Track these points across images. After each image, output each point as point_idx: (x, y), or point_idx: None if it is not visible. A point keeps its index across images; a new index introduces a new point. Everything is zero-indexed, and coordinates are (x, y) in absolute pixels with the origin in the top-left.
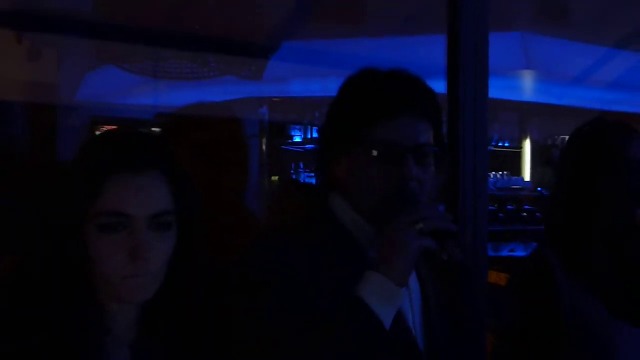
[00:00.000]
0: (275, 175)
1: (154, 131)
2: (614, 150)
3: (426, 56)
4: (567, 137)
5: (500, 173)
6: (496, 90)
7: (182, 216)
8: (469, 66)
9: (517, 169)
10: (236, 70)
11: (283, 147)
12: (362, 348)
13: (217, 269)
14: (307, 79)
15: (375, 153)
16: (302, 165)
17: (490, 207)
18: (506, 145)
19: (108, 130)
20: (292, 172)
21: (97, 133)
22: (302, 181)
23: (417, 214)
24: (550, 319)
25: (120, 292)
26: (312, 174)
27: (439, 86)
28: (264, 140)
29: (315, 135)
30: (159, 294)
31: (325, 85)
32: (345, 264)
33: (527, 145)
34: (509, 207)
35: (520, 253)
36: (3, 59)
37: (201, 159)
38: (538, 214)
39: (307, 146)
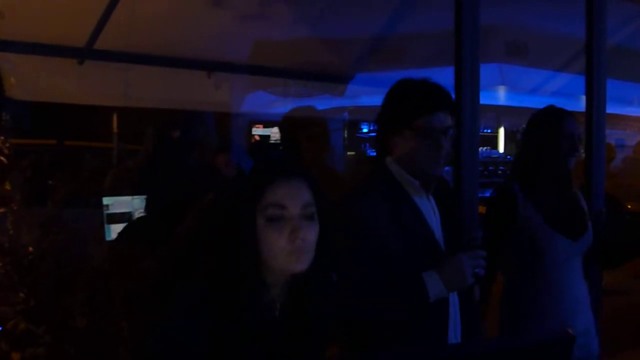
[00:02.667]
0: (351, 151)
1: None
2: (553, 123)
3: (439, 80)
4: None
5: (485, 147)
6: (483, 98)
7: (321, 210)
8: (466, 84)
9: (495, 145)
10: (329, 90)
11: (357, 135)
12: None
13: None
14: (370, 95)
15: (421, 135)
16: (367, 145)
17: (479, 168)
18: (488, 131)
19: (270, 158)
20: (362, 149)
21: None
22: (368, 154)
23: (477, 260)
24: (508, 225)
25: (283, 264)
26: (374, 150)
27: None
28: (345, 132)
29: (374, 127)
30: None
31: (379, 99)
32: (397, 204)
33: (501, 131)
34: (490, 167)
35: None
36: (201, 88)
37: (311, 141)
38: (508, 172)
39: (370, 134)
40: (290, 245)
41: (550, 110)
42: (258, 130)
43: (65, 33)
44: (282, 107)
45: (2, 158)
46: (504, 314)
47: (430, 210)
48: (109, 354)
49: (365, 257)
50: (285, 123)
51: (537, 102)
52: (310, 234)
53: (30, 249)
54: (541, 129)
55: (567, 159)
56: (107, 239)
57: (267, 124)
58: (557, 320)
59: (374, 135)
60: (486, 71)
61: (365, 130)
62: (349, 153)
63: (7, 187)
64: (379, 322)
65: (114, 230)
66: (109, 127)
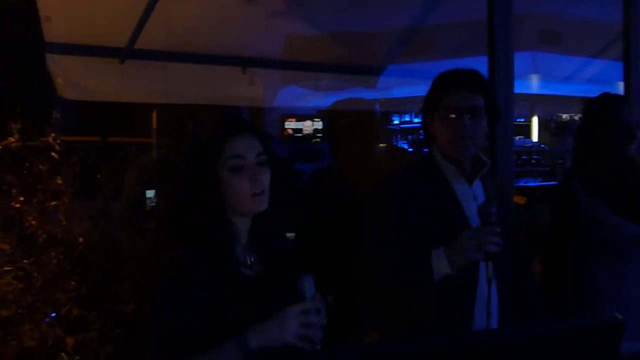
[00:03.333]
0: (382, 143)
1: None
2: (609, 112)
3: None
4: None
5: (518, 137)
6: (516, 87)
7: (270, 157)
8: (500, 73)
9: (528, 134)
10: (360, 83)
11: (388, 127)
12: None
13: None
14: (402, 87)
15: (447, 114)
16: (398, 137)
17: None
18: (521, 120)
19: (224, 118)
20: (393, 140)
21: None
22: (398, 145)
23: (480, 237)
24: (570, 222)
25: (249, 206)
26: (405, 142)
27: None
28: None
29: (405, 119)
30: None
31: (411, 90)
32: (431, 189)
33: (535, 120)
34: (524, 157)
35: (531, 184)
36: (236, 83)
37: (347, 129)
38: (541, 160)
39: (401, 126)
40: (252, 189)
41: (603, 99)
42: (290, 124)
43: (108, 34)
44: (314, 100)
45: (53, 154)
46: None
47: (470, 197)
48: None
49: (391, 236)
50: (318, 116)
51: (572, 90)
52: (265, 177)
53: (81, 239)
54: (595, 120)
55: (625, 147)
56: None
57: (300, 118)
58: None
59: (405, 127)
60: (519, 59)
61: (396, 122)
62: (380, 145)
63: (59, 181)
64: (395, 296)
65: None
66: (148, 123)
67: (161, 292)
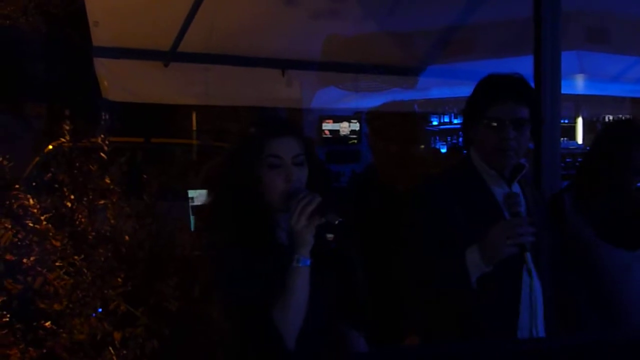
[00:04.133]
0: (421, 145)
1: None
2: (624, 148)
3: (515, 70)
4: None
5: (563, 138)
6: (562, 88)
7: (309, 157)
8: (547, 73)
9: (573, 136)
10: (399, 84)
11: (426, 128)
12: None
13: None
14: (441, 87)
15: (491, 123)
16: (437, 139)
17: None
18: (566, 121)
19: (268, 119)
20: (432, 142)
21: (323, 124)
22: (437, 147)
23: (511, 229)
24: (556, 236)
25: (283, 203)
26: (444, 143)
27: None
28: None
29: (444, 120)
30: None
31: (450, 91)
32: (471, 192)
33: (580, 121)
34: (568, 159)
35: None
36: (275, 85)
37: (384, 130)
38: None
39: (440, 127)
40: (285, 186)
41: (619, 135)
42: (328, 125)
43: (152, 38)
44: (351, 101)
45: (102, 154)
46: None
47: (505, 198)
48: (198, 335)
49: (432, 238)
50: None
51: (619, 90)
52: (301, 177)
53: (127, 237)
54: (611, 151)
55: (632, 185)
56: (193, 229)
57: (337, 119)
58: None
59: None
60: (564, 59)
61: (435, 122)
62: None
63: (107, 180)
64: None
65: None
66: (188, 124)
67: (228, 264)
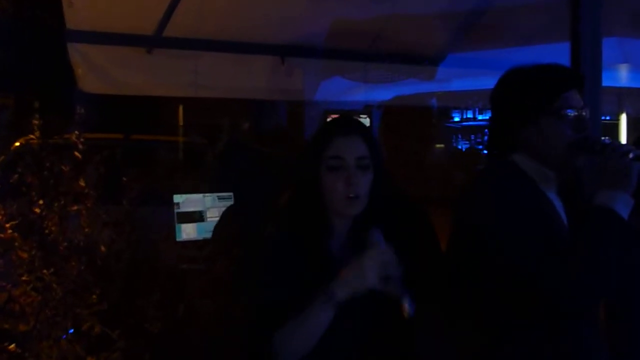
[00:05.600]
0: (439, 144)
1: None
2: None
3: (547, 59)
4: None
5: (604, 137)
6: (603, 79)
7: (375, 162)
8: (586, 63)
9: (616, 134)
10: (415, 74)
11: (446, 124)
12: (618, 244)
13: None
14: (463, 79)
15: (563, 117)
16: (460, 136)
17: None
18: (608, 118)
19: (335, 118)
20: (453, 141)
21: (328, 119)
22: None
23: None
24: None
25: (341, 208)
26: (467, 142)
27: None
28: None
29: (467, 116)
30: (364, 211)
31: (474, 83)
32: (533, 200)
33: (623, 118)
34: None
35: None
36: (273, 74)
37: (398, 127)
38: None
39: (463, 123)
40: (346, 190)
41: None
42: None
43: (134, 21)
44: (360, 94)
45: (76, 153)
46: None
47: (562, 208)
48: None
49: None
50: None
51: None
52: (364, 182)
53: (103, 248)
54: None
55: None
56: (178, 239)
57: (344, 113)
58: None
59: (468, 125)
60: (604, 47)
61: (457, 119)
62: (437, 146)
63: (82, 183)
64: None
65: (184, 230)
66: (174, 119)
67: (258, 265)
